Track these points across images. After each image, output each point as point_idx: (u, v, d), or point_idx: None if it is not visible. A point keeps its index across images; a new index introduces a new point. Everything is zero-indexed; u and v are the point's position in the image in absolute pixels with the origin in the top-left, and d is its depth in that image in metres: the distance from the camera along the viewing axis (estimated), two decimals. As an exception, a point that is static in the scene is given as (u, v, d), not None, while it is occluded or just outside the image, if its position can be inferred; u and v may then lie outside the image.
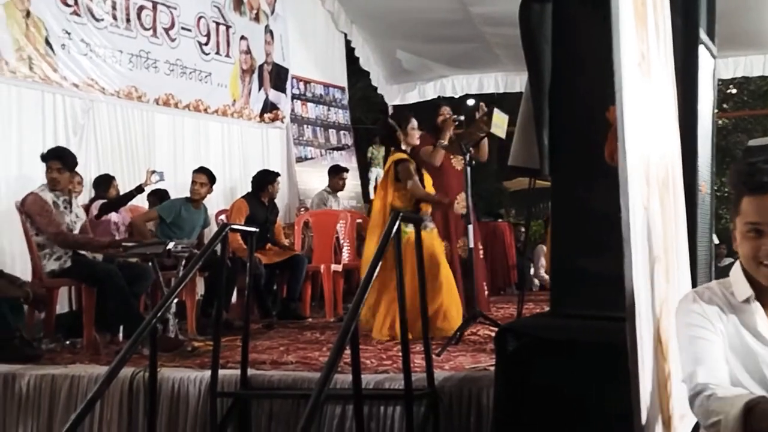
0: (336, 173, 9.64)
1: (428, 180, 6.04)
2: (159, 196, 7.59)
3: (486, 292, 6.90)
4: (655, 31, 2.59)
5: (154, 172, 7.14)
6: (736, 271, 2.12)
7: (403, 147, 5.95)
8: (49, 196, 5.69)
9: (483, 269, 6.93)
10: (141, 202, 7.67)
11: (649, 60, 2.47)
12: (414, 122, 6.02)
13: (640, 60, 2.37)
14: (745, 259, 2.03)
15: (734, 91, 20.16)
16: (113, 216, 6.95)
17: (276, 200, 8.02)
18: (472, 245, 5.69)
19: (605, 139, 2.90)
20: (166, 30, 8.66)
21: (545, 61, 3.40)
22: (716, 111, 3.94)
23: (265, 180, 7.72)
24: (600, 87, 2.67)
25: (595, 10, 2.64)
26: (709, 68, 3.60)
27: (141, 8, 8.34)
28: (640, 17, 2.42)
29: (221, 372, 4.11)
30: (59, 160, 5.75)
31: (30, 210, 5.64)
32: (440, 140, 6.22)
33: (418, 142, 6.04)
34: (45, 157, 5.76)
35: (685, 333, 2.09)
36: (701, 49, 3.33)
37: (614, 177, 2.24)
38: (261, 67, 10.13)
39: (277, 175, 7.94)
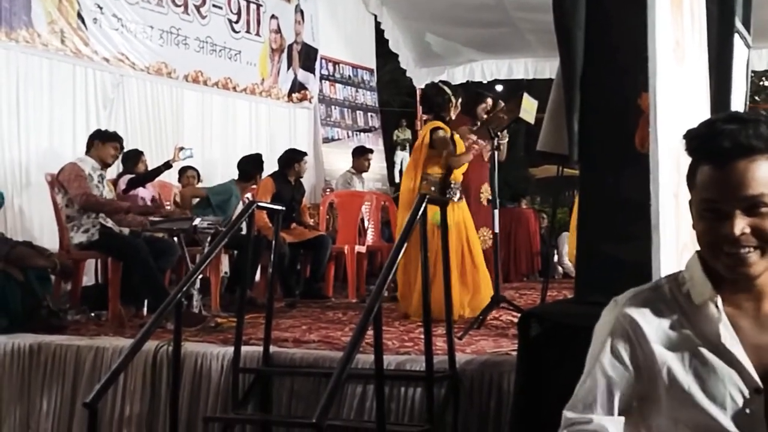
0: (361, 154, 9.61)
1: (460, 145, 6.00)
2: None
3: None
4: (691, 17, 2.57)
5: (182, 148, 7.18)
6: (694, 265, 1.64)
7: (445, 116, 5.95)
8: (87, 167, 5.77)
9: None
10: (170, 178, 7.72)
11: (684, 47, 2.46)
12: (489, 101, 6.12)
13: (675, 47, 2.35)
14: (701, 244, 1.59)
15: (767, 83, 19.93)
16: (140, 191, 7.01)
17: (302, 180, 8.04)
18: (498, 230, 5.68)
19: (636, 125, 2.88)
20: (197, 7, 8.68)
21: (578, 46, 3.37)
22: (748, 102, 3.90)
23: (292, 159, 7.73)
24: (633, 73, 2.65)
25: (631, -5, 2.62)
26: (743, 58, 3.56)
27: (173, -16, 8.37)
28: (676, 3, 2.40)
29: (244, 348, 4.13)
30: (119, 142, 6.08)
31: (64, 177, 5.72)
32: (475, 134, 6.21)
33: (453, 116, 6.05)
34: (111, 137, 6.03)
35: (595, 353, 1.69)
36: (736, 38, 3.30)
37: (644, 164, 2.24)
38: (290, 46, 10.13)
39: (304, 154, 7.93)
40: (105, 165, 6.03)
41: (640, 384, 1.64)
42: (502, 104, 6.30)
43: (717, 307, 1.58)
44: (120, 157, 6.31)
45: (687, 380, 1.58)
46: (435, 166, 5.83)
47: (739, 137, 1.50)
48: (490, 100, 6.55)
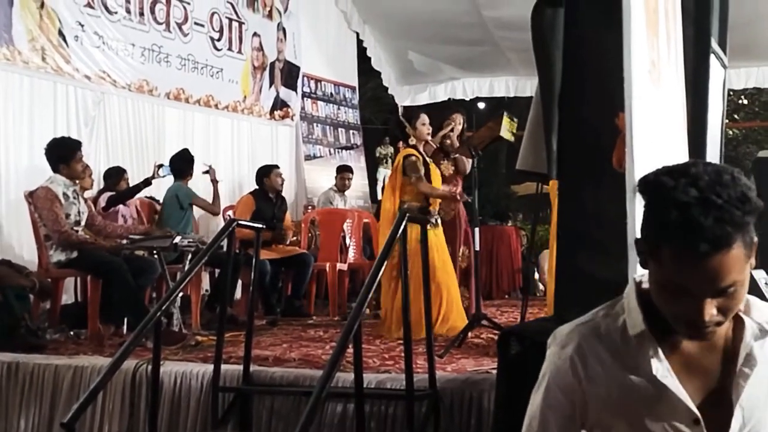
0: (339, 173, 9.75)
1: (436, 174, 6.07)
2: None
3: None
4: (666, 39, 2.60)
5: (161, 165, 7.18)
6: (630, 295, 1.61)
7: (412, 142, 6.01)
8: (60, 189, 5.69)
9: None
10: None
11: (660, 68, 2.48)
12: (424, 118, 6.14)
13: (651, 68, 2.38)
14: (664, 310, 1.52)
15: (746, 101, 20.13)
16: (121, 208, 6.98)
17: (285, 197, 8.05)
18: (478, 248, 5.69)
19: (614, 145, 2.91)
20: (179, 24, 8.68)
21: (556, 66, 3.40)
22: (727, 121, 3.95)
23: (261, 174, 7.78)
24: (610, 93, 2.68)
25: (607, 16, 2.65)
26: (720, 78, 3.60)
27: (154, 2, 8.36)
28: (652, 25, 2.42)
29: (224, 367, 4.12)
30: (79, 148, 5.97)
31: (38, 204, 5.66)
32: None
33: (429, 137, 6.10)
34: (78, 147, 5.92)
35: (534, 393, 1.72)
36: (712, 58, 3.33)
37: (621, 183, 2.25)
38: (272, 64, 10.15)
39: (274, 167, 7.93)
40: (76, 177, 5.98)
41: (581, 421, 1.63)
42: (458, 117, 6.40)
43: (649, 338, 1.56)
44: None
45: (626, 416, 1.57)
46: (410, 193, 5.88)
47: (718, 235, 1.41)
48: (458, 121, 6.62)
